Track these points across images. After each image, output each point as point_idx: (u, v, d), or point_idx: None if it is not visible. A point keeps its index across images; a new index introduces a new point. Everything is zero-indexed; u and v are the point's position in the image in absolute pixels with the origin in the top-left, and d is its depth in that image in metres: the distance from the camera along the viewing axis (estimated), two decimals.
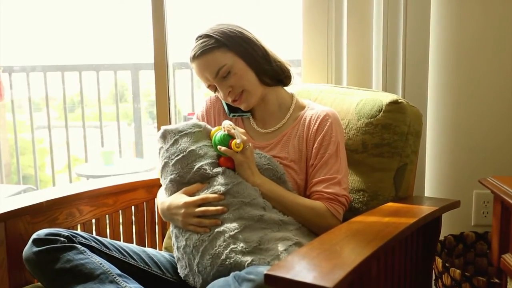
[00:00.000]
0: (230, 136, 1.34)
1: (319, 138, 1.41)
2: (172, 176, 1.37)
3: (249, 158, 1.34)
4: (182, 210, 1.32)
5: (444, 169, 1.95)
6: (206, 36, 1.41)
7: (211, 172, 1.34)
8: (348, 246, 1.05)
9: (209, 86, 1.46)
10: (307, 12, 1.93)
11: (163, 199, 1.41)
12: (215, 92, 1.49)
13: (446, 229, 1.87)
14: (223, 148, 1.34)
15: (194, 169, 1.35)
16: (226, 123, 1.35)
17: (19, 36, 3.96)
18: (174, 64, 2.28)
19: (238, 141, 1.31)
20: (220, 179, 1.33)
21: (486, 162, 1.91)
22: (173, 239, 1.38)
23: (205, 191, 1.33)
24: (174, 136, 1.40)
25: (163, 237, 1.78)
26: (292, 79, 1.52)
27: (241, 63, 1.41)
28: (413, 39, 1.78)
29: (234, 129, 1.33)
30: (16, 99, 3.73)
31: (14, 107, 3.74)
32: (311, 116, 1.44)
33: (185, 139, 1.38)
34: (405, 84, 1.81)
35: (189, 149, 1.36)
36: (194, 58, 1.42)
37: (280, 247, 1.22)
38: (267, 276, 0.88)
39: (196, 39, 1.43)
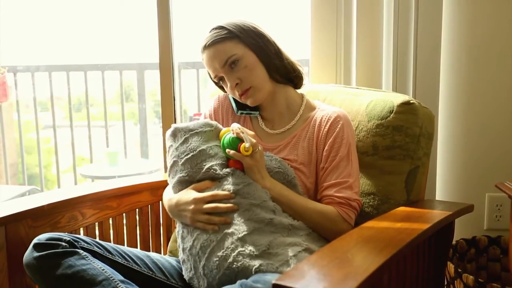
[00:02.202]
0: (239, 139, 1.30)
1: (330, 140, 1.37)
2: (181, 175, 1.34)
3: (259, 161, 1.31)
4: (192, 206, 1.28)
5: (455, 171, 1.90)
6: (220, 27, 1.39)
7: (221, 173, 1.31)
8: (360, 254, 1.01)
9: (215, 77, 1.42)
10: (316, 10, 1.90)
11: (171, 196, 1.38)
12: (220, 84, 1.46)
13: (458, 233, 1.82)
14: (231, 152, 1.30)
15: (204, 169, 1.31)
16: (235, 126, 1.31)
17: (24, 36, 3.94)
18: (180, 64, 2.25)
19: (247, 145, 1.27)
20: (230, 179, 1.30)
21: (499, 165, 1.87)
22: (179, 240, 1.35)
23: (215, 190, 1.29)
24: (184, 135, 1.36)
25: (168, 240, 1.75)
26: (303, 82, 1.49)
27: (252, 56, 1.38)
28: (424, 38, 1.74)
29: (243, 132, 1.28)
30: (24, 98, 3.73)
31: (22, 107, 3.76)
32: (322, 118, 1.40)
33: (196, 138, 1.35)
34: (415, 84, 1.76)
35: (200, 149, 1.33)
36: (205, 47, 1.39)
37: (289, 252, 1.18)
38: (275, 286, 0.84)
39: (210, 30, 1.41)
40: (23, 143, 3.74)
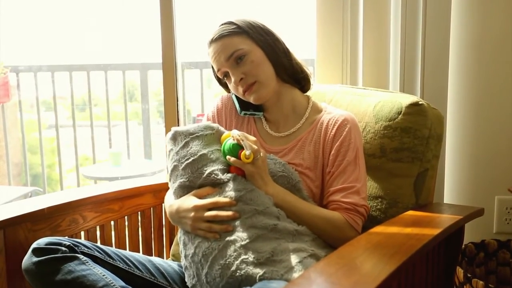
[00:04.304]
0: (240, 146, 1.25)
1: (337, 144, 1.33)
2: (181, 181, 1.30)
3: (261, 168, 1.26)
4: (192, 214, 1.25)
5: (464, 173, 1.86)
6: (229, 22, 1.37)
7: (222, 178, 1.27)
8: (369, 261, 0.97)
9: (218, 71, 1.38)
10: (322, 9, 1.86)
11: (172, 202, 1.34)
12: (223, 82, 1.42)
13: (467, 237, 1.78)
14: (232, 159, 1.26)
15: (205, 174, 1.27)
16: (235, 133, 1.26)
17: (26, 36, 3.93)
18: (183, 64, 2.21)
19: (247, 152, 1.23)
20: (232, 185, 1.25)
21: (509, 167, 1.83)
22: (181, 246, 1.31)
23: (217, 196, 1.25)
24: (184, 139, 1.32)
25: (171, 243, 1.72)
26: (310, 86, 1.45)
27: (260, 52, 1.35)
28: (432, 37, 1.70)
29: (243, 140, 1.24)
30: (27, 98, 3.72)
31: (27, 107, 3.75)
32: (329, 121, 1.36)
33: (196, 142, 1.31)
34: (423, 85, 1.73)
35: (200, 153, 1.29)
36: (212, 41, 1.36)
37: (294, 258, 1.15)
38: None
39: (219, 25, 1.38)
40: (28, 143, 3.74)
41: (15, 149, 3.79)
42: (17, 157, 3.82)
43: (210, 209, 1.24)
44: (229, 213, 1.22)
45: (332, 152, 1.33)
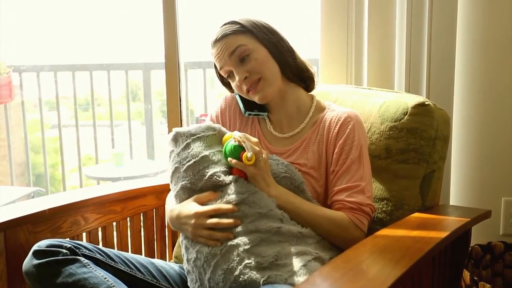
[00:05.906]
0: (241, 147, 1.23)
1: (340, 142, 1.30)
2: (183, 183, 1.28)
3: (263, 169, 1.24)
4: (192, 221, 1.22)
5: (470, 175, 1.84)
6: (232, 22, 1.34)
7: (224, 180, 1.25)
8: (375, 266, 0.95)
9: (221, 69, 1.36)
10: (326, 8, 1.84)
11: (172, 207, 1.32)
12: (226, 81, 1.41)
13: (473, 239, 1.75)
14: (233, 161, 1.24)
15: (207, 176, 1.25)
16: (237, 134, 1.24)
17: (28, 36, 3.93)
18: (186, 64, 2.20)
19: (249, 154, 1.21)
20: (235, 188, 1.23)
21: None
22: (183, 250, 1.29)
23: (218, 201, 1.23)
24: (186, 140, 1.30)
25: (173, 245, 1.70)
26: (315, 85, 1.43)
27: (264, 51, 1.33)
28: (438, 37, 1.68)
29: (244, 141, 1.22)
30: (31, 98, 3.72)
31: (30, 106, 3.77)
32: (332, 118, 1.34)
33: (198, 143, 1.29)
34: (429, 85, 1.70)
35: (202, 155, 1.26)
36: (216, 41, 1.34)
37: (298, 262, 1.13)
38: None
39: (222, 25, 1.36)
40: (31, 142, 3.75)
41: (18, 149, 3.79)
42: (20, 157, 3.82)
43: (211, 216, 1.21)
44: (231, 220, 1.19)
45: (336, 150, 1.31)
